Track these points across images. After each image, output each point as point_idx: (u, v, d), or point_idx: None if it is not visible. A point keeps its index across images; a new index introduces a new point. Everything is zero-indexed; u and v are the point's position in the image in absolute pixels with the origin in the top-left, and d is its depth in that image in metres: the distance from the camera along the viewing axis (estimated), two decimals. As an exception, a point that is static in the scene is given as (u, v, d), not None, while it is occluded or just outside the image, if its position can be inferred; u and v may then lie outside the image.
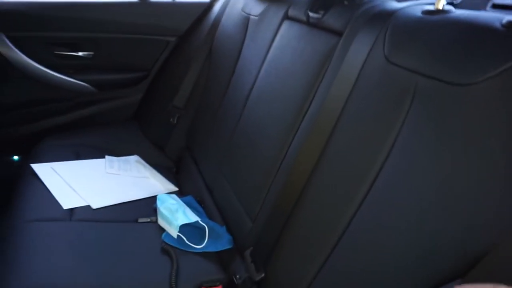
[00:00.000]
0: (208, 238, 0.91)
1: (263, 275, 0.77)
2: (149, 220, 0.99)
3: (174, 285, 0.79)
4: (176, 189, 1.19)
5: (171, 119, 1.39)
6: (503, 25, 0.51)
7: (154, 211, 1.02)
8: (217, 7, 1.44)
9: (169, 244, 0.90)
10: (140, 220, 0.99)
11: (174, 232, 0.91)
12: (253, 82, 1.04)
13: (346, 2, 0.85)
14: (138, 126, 1.53)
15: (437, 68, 0.55)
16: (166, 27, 1.46)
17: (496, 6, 0.68)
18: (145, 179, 1.19)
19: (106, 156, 1.25)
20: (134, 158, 1.30)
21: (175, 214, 0.93)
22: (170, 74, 1.51)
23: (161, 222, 0.97)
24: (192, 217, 0.94)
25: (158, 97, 1.53)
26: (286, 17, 1.01)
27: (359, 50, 0.71)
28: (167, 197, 1.02)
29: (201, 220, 0.93)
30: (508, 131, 0.44)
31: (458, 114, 0.50)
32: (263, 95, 0.99)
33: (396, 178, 0.57)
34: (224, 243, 0.92)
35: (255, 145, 0.95)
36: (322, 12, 0.88)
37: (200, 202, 1.09)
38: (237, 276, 0.83)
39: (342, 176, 0.66)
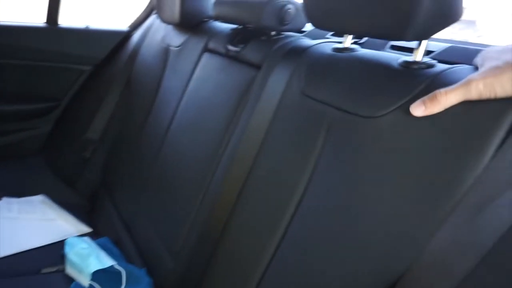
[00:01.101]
0: (125, 283, 0.83)
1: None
2: (55, 269, 0.87)
3: None
4: (89, 230, 1.07)
5: (84, 153, 1.28)
6: (399, 65, 0.57)
7: (62, 258, 0.90)
8: (135, 36, 1.41)
9: (79, 296, 0.80)
10: (44, 270, 0.87)
11: (85, 281, 0.81)
12: (173, 114, 1.01)
13: (263, 38, 0.88)
14: (44, 162, 1.38)
15: (346, 101, 0.59)
16: (80, 55, 1.37)
17: (394, 47, 0.76)
18: (51, 222, 1.06)
19: (3, 198, 1.09)
20: (38, 198, 1.15)
21: (87, 260, 0.84)
22: (84, 104, 1.41)
23: (70, 270, 0.86)
24: (107, 262, 0.85)
25: (69, 129, 1.40)
26: (206, 49, 1.02)
27: (277, 83, 0.73)
28: (78, 240, 0.91)
29: (117, 264, 0.85)
30: (405, 161, 0.48)
31: (364, 144, 0.54)
32: (184, 127, 0.96)
33: (316, 207, 0.58)
34: (143, 288, 0.84)
35: (176, 178, 0.91)
36: (241, 45, 0.90)
37: (117, 243, 1.00)
38: (159, 324, 0.77)
39: (264, 207, 0.66)
